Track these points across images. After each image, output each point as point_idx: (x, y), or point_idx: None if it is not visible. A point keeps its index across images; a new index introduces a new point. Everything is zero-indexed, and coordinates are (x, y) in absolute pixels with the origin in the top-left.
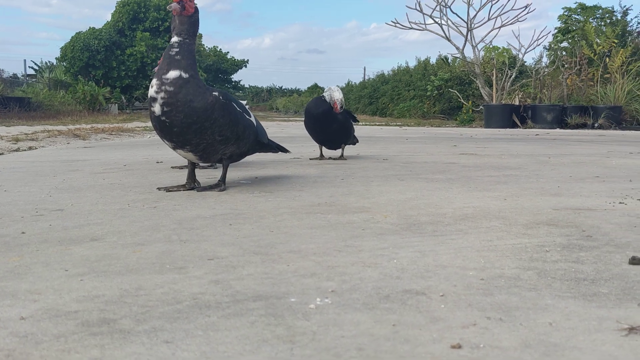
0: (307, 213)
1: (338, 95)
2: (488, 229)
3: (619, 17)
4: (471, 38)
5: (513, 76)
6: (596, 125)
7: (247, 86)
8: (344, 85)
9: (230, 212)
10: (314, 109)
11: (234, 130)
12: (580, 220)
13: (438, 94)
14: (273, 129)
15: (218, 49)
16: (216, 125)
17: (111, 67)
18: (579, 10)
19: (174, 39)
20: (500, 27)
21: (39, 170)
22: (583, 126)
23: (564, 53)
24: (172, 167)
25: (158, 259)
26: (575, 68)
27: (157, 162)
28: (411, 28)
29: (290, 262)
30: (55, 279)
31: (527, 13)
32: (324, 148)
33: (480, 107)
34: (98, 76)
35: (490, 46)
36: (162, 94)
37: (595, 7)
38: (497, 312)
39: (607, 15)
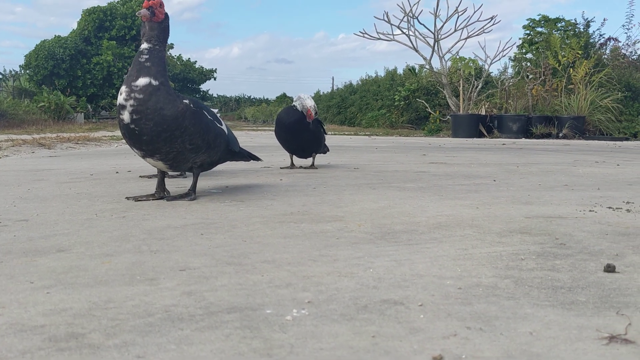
0: (280, 222)
1: (310, 103)
2: (462, 237)
3: (582, 29)
4: (438, 49)
5: (479, 87)
6: (561, 135)
7: (216, 96)
8: (313, 95)
9: (202, 221)
10: (285, 118)
11: (205, 138)
12: (552, 228)
13: (405, 104)
14: (243, 138)
15: (186, 59)
16: (186, 133)
17: (76, 76)
18: (542, 22)
19: (144, 45)
20: (466, 39)
21: (3, 180)
22: (548, 136)
23: (528, 64)
24: (140, 176)
25: (128, 270)
26: (540, 79)
27: (126, 172)
28: (379, 39)
29: (265, 273)
30: (20, 292)
31: (493, 24)
32: (294, 157)
33: (448, 117)
34: (63, 85)
35: (457, 57)
36: (131, 102)
37: (558, 19)
38: (477, 321)
39: (570, 28)
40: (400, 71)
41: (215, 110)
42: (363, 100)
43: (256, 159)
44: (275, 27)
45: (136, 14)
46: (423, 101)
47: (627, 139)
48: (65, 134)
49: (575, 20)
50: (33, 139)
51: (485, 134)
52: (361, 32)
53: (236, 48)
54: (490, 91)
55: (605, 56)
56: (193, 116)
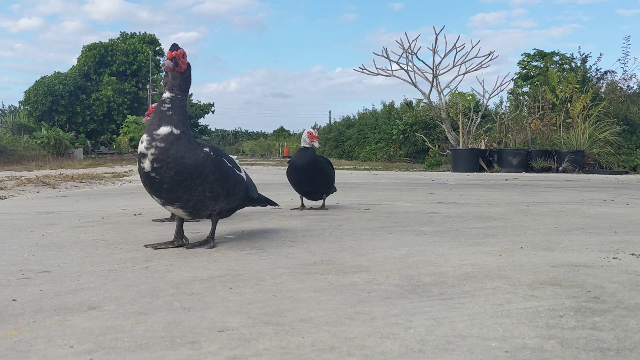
0: (306, 274)
1: (309, 129)
2: (494, 290)
3: (579, 64)
4: (437, 84)
5: (478, 121)
6: (560, 169)
7: (214, 130)
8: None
9: (227, 273)
10: (299, 161)
11: (225, 186)
12: (582, 279)
13: (403, 138)
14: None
15: None
16: (207, 181)
17: (75, 112)
18: (537, 56)
19: (166, 94)
20: (464, 74)
21: (15, 224)
22: (548, 170)
23: (526, 98)
24: (153, 220)
25: (166, 332)
26: (539, 113)
27: (136, 215)
28: (378, 74)
29: (305, 334)
30: (61, 358)
31: (490, 60)
32: (304, 198)
33: (447, 151)
34: (62, 121)
35: (457, 92)
36: (152, 150)
37: (553, 54)
38: None
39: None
40: (397, 105)
41: (234, 157)
42: (361, 133)
43: (273, 204)
44: (272, 61)
45: (160, 64)
46: (422, 135)
47: (626, 173)
48: (66, 170)
49: (572, 55)
50: (37, 178)
51: (485, 168)
52: (360, 68)
53: (234, 82)
54: (488, 125)
55: (602, 90)
56: (213, 164)
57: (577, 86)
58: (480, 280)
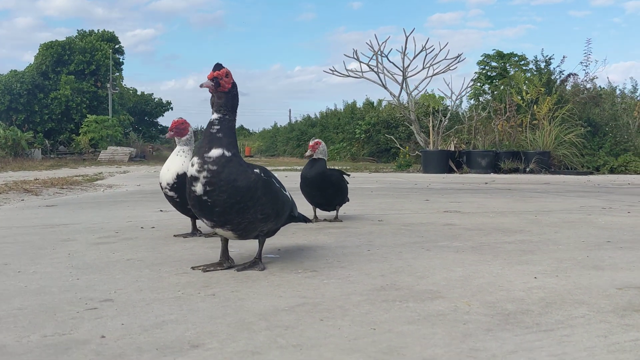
0: (384, 301)
1: (310, 143)
2: (585, 319)
3: (543, 66)
4: (406, 86)
5: (446, 122)
6: (528, 170)
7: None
8: (271, 128)
9: (303, 301)
10: (307, 173)
11: (274, 207)
12: None
13: (366, 137)
14: None
15: (139, 92)
16: (259, 203)
17: (33, 111)
18: (496, 57)
19: (214, 115)
20: (432, 76)
21: (29, 241)
22: (516, 171)
23: (488, 98)
24: (174, 235)
25: None
26: (506, 115)
27: (150, 228)
28: (348, 76)
29: None
30: None
31: (458, 62)
32: (317, 209)
33: (416, 152)
34: (19, 120)
35: (427, 94)
36: (204, 173)
37: (512, 54)
38: None
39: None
40: (360, 104)
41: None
42: (324, 133)
43: (307, 220)
44: (230, 59)
45: (199, 85)
46: (392, 137)
47: (591, 173)
48: (29, 172)
49: (536, 57)
50: (15, 184)
51: (455, 169)
52: (331, 69)
53: (191, 80)
54: (457, 127)
55: (566, 92)
56: (264, 186)
57: (543, 89)
58: (563, 307)
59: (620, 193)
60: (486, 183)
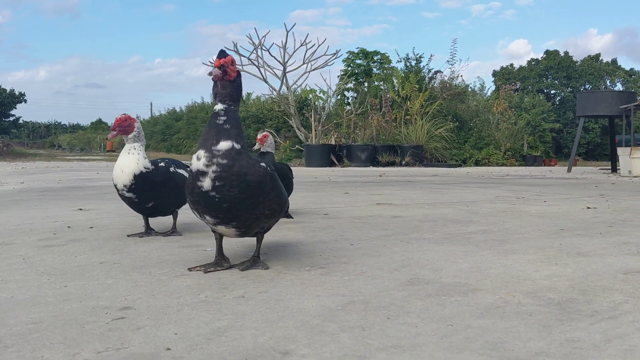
0: (428, 296)
1: (259, 136)
2: (631, 305)
3: (414, 64)
4: (286, 80)
5: (324, 117)
6: (404, 163)
7: (21, 122)
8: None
9: (347, 299)
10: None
11: (279, 202)
12: None
13: None
14: (83, 174)
15: None
16: (267, 199)
17: None
18: (360, 55)
19: (219, 106)
20: (310, 71)
21: None
22: (392, 164)
23: (353, 93)
24: (128, 235)
25: None
26: (382, 110)
27: (90, 228)
28: None
29: None
30: None
31: (336, 58)
32: None
33: (296, 146)
34: None
35: (308, 89)
36: (213, 167)
37: (375, 52)
38: None
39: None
40: None
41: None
42: (190, 127)
43: (290, 216)
44: (86, 50)
45: (207, 74)
46: (272, 131)
47: (459, 165)
48: None
49: (407, 56)
50: None
51: (336, 162)
52: (210, 62)
53: (43, 71)
54: (335, 121)
55: (435, 89)
56: (272, 180)
57: (416, 86)
58: (599, 294)
59: (512, 184)
60: (380, 176)
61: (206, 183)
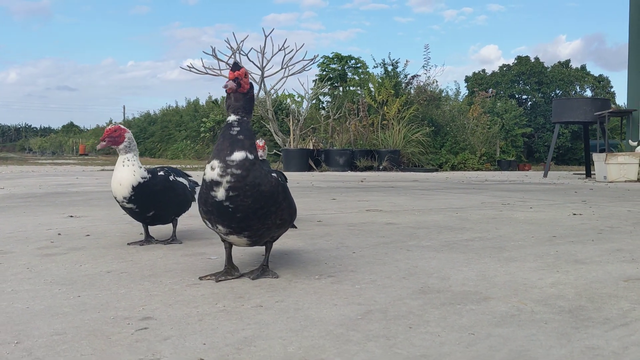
0: (443, 304)
1: (260, 143)
2: (634, 312)
3: (390, 69)
4: (264, 85)
5: (302, 122)
6: (381, 167)
7: None
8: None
9: (365, 308)
10: None
11: (290, 212)
12: None
13: (211, 135)
14: (60, 179)
15: None
16: (280, 209)
17: None
18: (335, 59)
19: (232, 117)
20: (288, 76)
21: None
22: (370, 168)
23: (328, 98)
24: (128, 243)
25: None
26: (359, 116)
27: (86, 236)
28: (206, 73)
29: None
30: None
31: (313, 63)
32: None
33: (274, 150)
34: None
35: (287, 93)
36: (228, 178)
37: (350, 57)
38: None
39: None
40: (202, 102)
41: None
42: (165, 131)
43: (294, 226)
44: (58, 52)
45: (222, 86)
46: None
47: (436, 170)
48: None
49: (384, 61)
50: None
51: (314, 167)
52: (189, 66)
53: (13, 73)
54: (313, 126)
55: (411, 95)
56: (283, 190)
57: (392, 91)
58: (607, 301)
59: (493, 189)
60: (362, 181)
61: (220, 193)
